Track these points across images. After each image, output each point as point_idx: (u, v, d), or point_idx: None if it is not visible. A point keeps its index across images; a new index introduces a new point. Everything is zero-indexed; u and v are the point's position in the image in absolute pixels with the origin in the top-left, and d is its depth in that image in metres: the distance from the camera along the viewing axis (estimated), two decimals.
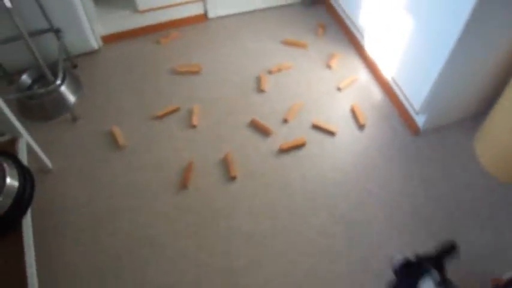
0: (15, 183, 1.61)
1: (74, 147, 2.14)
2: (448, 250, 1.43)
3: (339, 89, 2.36)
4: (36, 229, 1.66)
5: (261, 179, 2.00)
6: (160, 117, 2.24)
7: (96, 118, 2.26)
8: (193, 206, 1.93)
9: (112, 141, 2.16)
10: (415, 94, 2.03)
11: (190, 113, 2.25)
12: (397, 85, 2.16)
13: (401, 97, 2.17)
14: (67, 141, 2.17)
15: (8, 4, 1.71)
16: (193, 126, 2.20)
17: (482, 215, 1.88)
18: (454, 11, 1.62)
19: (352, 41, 2.59)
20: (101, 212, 1.92)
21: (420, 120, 2.09)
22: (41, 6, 2.19)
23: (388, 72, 2.23)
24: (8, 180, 1.58)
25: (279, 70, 2.45)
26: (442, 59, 1.75)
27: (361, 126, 2.19)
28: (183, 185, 1.98)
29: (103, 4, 2.57)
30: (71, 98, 2.31)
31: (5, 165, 1.61)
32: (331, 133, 2.16)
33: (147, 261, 1.77)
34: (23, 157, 1.79)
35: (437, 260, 1.41)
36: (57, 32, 2.34)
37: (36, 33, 2.31)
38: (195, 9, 2.71)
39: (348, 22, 2.58)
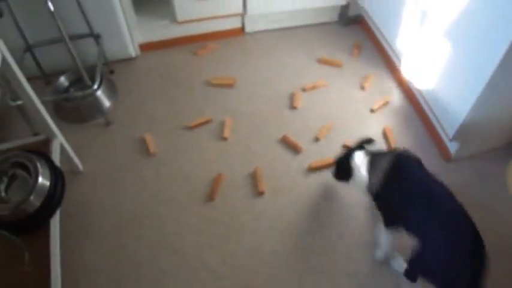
0: (47, 183, 1.64)
1: (105, 151, 2.17)
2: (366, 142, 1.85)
3: (371, 111, 2.34)
4: (61, 229, 1.68)
5: (288, 197, 1.99)
6: (192, 128, 2.25)
7: (129, 124, 2.29)
8: (219, 218, 1.92)
9: (143, 148, 2.17)
10: (450, 121, 1.99)
11: (222, 125, 2.26)
12: (432, 110, 2.13)
13: (435, 123, 2.14)
14: (99, 145, 2.20)
15: (51, 7, 1.75)
16: (224, 139, 2.20)
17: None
18: (494, 38, 1.59)
19: (387, 62, 2.57)
20: (126, 218, 1.93)
21: (453, 147, 2.06)
22: (83, 12, 2.23)
23: (423, 97, 2.20)
24: (40, 179, 1.61)
25: (313, 88, 2.44)
26: (480, 87, 1.72)
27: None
28: (211, 196, 1.98)
29: (143, 13, 2.61)
30: (106, 102, 2.34)
31: (38, 164, 1.64)
32: None
33: (168, 270, 1.77)
34: (56, 158, 1.82)
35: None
36: (97, 37, 2.38)
37: (76, 37, 2.35)
38: (232, 23, 2.73)
39: (384, 43, 2.57)
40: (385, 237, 1.71)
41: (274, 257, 1.81)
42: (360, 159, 1.73)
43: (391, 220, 1.64)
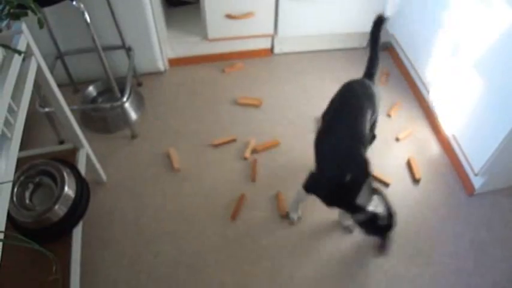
0: (72, 194, 1.64)
1: (129, 164, 2.18)
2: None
3: (397, 139, 2.32)
4: (82, 237, 1.69)
5: (310, 222, 1.97)
6: (216, 146, 2.26)
7: (154, 138, 2.29)
8: (239, 239, 1.91)
9: (167, 163, 2.18)
10: (476, 155, 1.96)
11: (246, 145, 2.26)
12: (458, 143, 2.11)
13: (461, 156, 2.11)
14: (123, 157, 2.21)
15: (88, 19, 1.77)
16: (246, 159, 2.20)
17: None
18: None
19: (414, 92, 2.56)
20: (147, 232, 1.92)
21: (477, 182, 2.02)
22: (116, 24, 2.26)
23: (450, 129, 2.18)
24: (66, 189, 1.62)
25: None
26: (509, 124, 1.70)
27: (415, 181, 2.14)
28: (232, 217, 1.97)
29: (174, 28, 2.64)
30: (133, 115, 2.36)
31: (65, 174, 1.65)
32: (384, 183, 2.12)
33: None
34: (82, 168, 1.83)
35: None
36: (128, 50, 2.41)
37: (108, 49, 2.38)
38: (262, 43, 2.74)
39: (412, 73, 2.56)
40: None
41: (292, 283, 1.78)
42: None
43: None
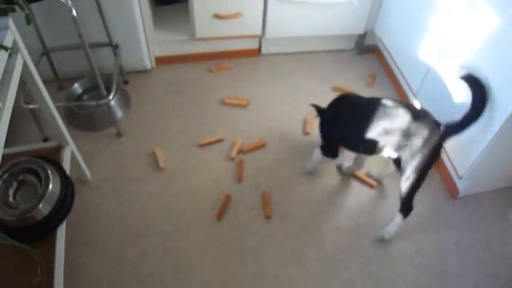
0: (57, 192, 1.63)
1: (114, 162, 2.16)
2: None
3: None
4: (66, 237, 1.67)
5: (296, 223, 1.97)
6: (202, 146, 2.25)
7: (140, 137, 2.28)
8: (225, 239, 1.90)
9: (152, 162, 2.16)
10: (460, 159, 1.99)
11: (232, 145, 2.26)
12: (443, 147, 2.12)
13: (446, 160, 2.13)
14: (108, 155, 2.19)
15: (75, 14, 1.75)
16: (233, 159, 2.20)
17: None
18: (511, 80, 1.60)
19: (401, 95, 2.57)
20: (132, 231, 1.91)
21: (461, 185, 2.05)
22: (104, 21, 2.24)
23: None
24: (51, 187, 1.60)
25: None
26: (495, 127, 1.72)
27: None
28: (218, 217, 1.97)
29: (162, 27, 2.63)
30: (119, 113, 2.34)
31: (49, 171, 1.63)
32: (370, 186, 2.13)
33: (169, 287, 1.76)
34: (67, 166, 1.81)
35: None
36: (115, 47, 2.39)
37: (94, 46, 2.37)
38: (249, 44, 2.75)
39: (398, 75, 2.57)
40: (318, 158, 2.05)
41: (277, 284, 1.78)
42: None
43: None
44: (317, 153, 2.04)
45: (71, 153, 1.89)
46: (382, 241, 1.93)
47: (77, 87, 2.40)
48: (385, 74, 2.74)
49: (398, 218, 1.86)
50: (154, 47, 2.60)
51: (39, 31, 2.20)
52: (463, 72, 1.71)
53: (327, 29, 2.70)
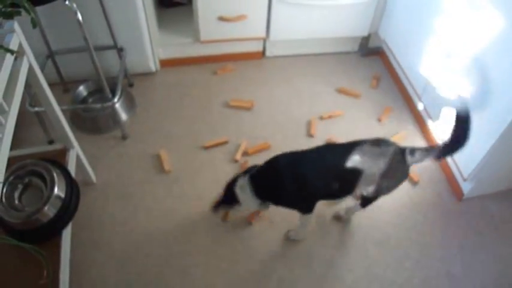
0: (62, 195, 1.63)
1: (119, 165, 2.17)
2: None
3: None
4: (71, 239, 1.68)
5: (295, 225, 1.97)
6: (207, 148, 2.25)
7: (145, 139, 2.29)
8: (229, 241, 1.91)
9: (157, 164, 2.17)
10: (465, 161, 1.98)
11: (237, 147, 2.26)
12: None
13: (451, 162, 2.13)
14: (113, 158, 2.20)
15: (80, 18, 1.76)
16: (237, 162, 2.20)
17: None
18: None
19: (405, 97, 2.57)
20: (137, 234, 1.91)
21: (466, 187, 2.04)
22: (109, 24, 2.25)
23: (440, 136, 2.20)
24: (56, 190, 1.60)
25: (330, 117, 2.44)
26: (499, 129, 1.71)
27: (415, 183, 2.16)
28: (223, 219, 1.97)
29: (166, 30, 2.63)
30: (124, 115, 2.35)
31: (55, 174, 1.64)
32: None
33: None
34: (72, 169, 1.81)
35: None
36: (120, 50, 2.40)
37: (99, 49, 2.38)
38: (253, 46, 2.75)
39: (402, 78, 2.57)
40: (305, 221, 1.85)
41: (282, 286, 1.78)
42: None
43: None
44: (302, 218, 1.84)
45: (76, 156, 1.89)
46: (338, 218, 2.01)
47: (82, 90, 2.41)
48: (389, 76, 2.74)
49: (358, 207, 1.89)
50: (159, 49, 2.61)
51: (45, 34, 2.21)
52: (460, 106, 1.53)
53: (331, 31, 2.70)
